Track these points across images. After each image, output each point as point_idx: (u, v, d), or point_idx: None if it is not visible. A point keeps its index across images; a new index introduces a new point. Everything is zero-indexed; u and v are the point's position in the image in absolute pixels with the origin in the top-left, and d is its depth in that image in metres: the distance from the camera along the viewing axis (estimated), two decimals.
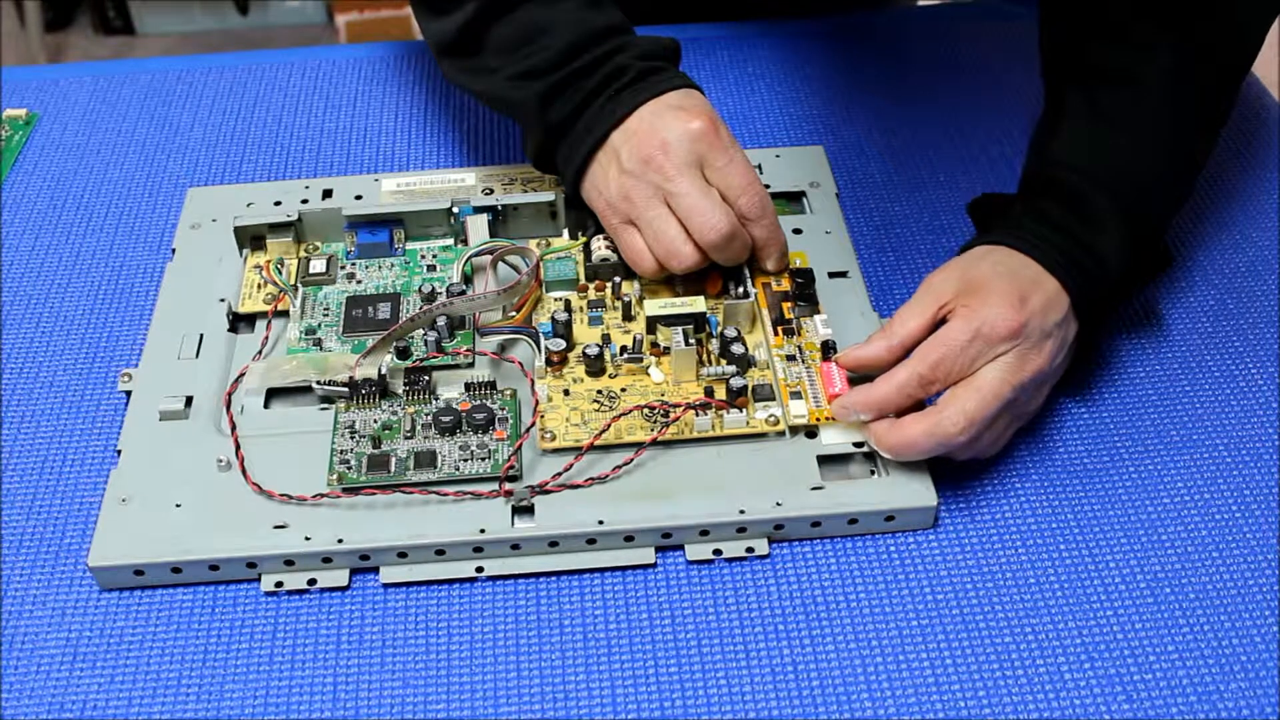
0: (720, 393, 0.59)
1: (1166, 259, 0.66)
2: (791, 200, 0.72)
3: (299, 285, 0.65)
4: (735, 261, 0.62)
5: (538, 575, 0.55)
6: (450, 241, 0.68)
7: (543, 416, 0.58)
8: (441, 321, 0.62)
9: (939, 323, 0.57)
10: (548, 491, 0.56)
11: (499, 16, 0.63)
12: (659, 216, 0.60)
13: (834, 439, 0.58)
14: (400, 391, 0.60)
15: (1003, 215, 0.62)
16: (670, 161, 0.59)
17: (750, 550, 0.55)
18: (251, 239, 0.68)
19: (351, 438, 0.58)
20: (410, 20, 2.01)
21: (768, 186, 0.72)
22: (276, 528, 0.55)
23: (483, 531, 0.54)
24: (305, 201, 0.71)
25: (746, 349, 0.60)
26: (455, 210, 0.68)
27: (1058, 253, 0.58)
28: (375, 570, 0.55)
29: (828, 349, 0.61)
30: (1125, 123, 0.62)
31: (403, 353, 0.61)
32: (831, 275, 0.66)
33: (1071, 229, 0.59)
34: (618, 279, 0.65)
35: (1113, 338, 0.65)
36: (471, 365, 0.62)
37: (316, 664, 0.52)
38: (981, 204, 0.68)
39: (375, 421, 0.59)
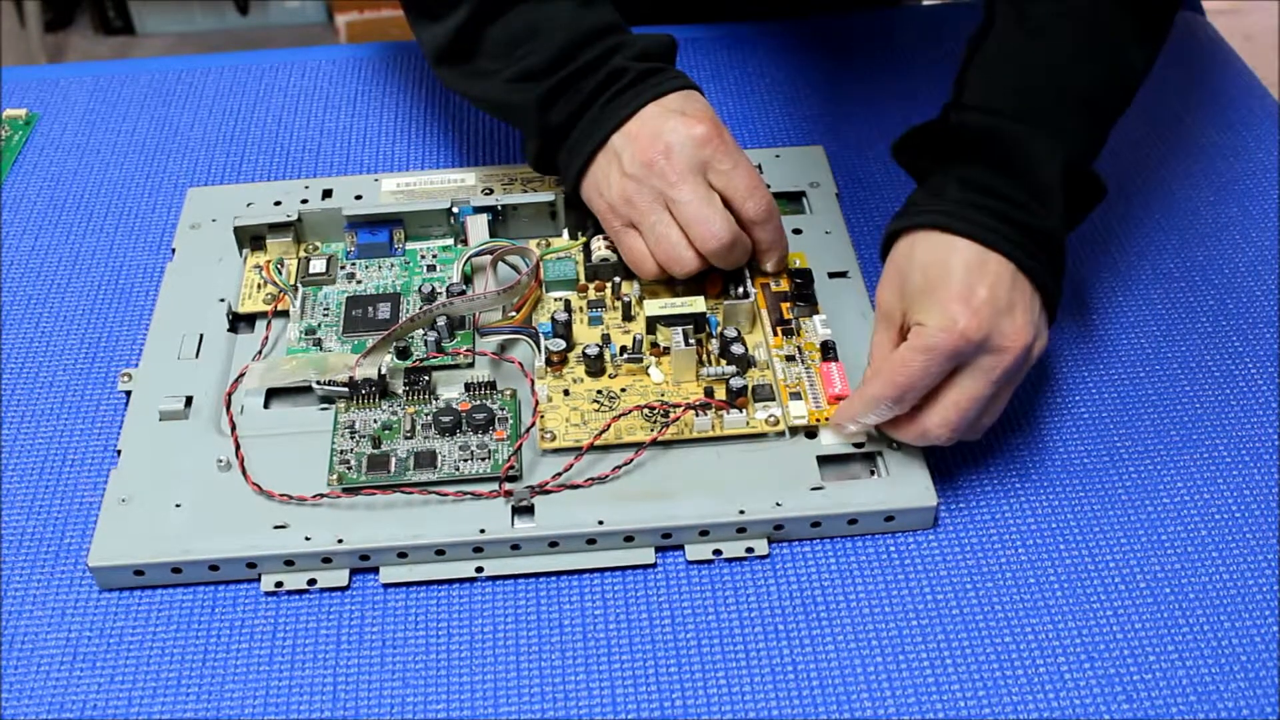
0: (720, 393, 0.59)
1: (1100, 189, 0.60)
2: (791, 200, 0.72)
3: (299, 285, 0.65)
4: (736, 266, 0.62)
5: (538, 575, 0.55)
6: (450, 241, 0.68)
7: (543, 416, 0.58)
8: (441, 321, 0.62)
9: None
10: (548, 492, 0.56)
11: (493, 19, 0.63)
12: (660, 221, 0.60)
13: (834, 439, 0.58)
14: (400, 391, 0.60)
15: (929, 174, 0.59)
16: (673, 167, 0.59)
17: (750, 550, 0.55)
18: (251, 239, 0.68)
19: (351, 438, 0.58)
20: None
21: (767, 186, 0.72)
22: (276, 528, 0.55)
23: (483, 531, 0.54)
24: (305, 201, 0.71)
25: (746, 349, 0.60)
26: (455, 210, 0.68)
27: (993, 220, 0.54)
28: (375, 570, 0.55)
29: (827, 349, 0.61)
30: (1050, 33, 0.58)
31: (403, 353, 0.61)
32: (831, 275, 0.66)
33: (1001, 190, 0.55)
34: (618, 279, 0.65)
35: (1111, 338, 0.65)
36: (471, 365, 0.62)
37: (316, 664, 0.52)
38: (908, 145, 0.62)
39: (375, 421, 0.59)
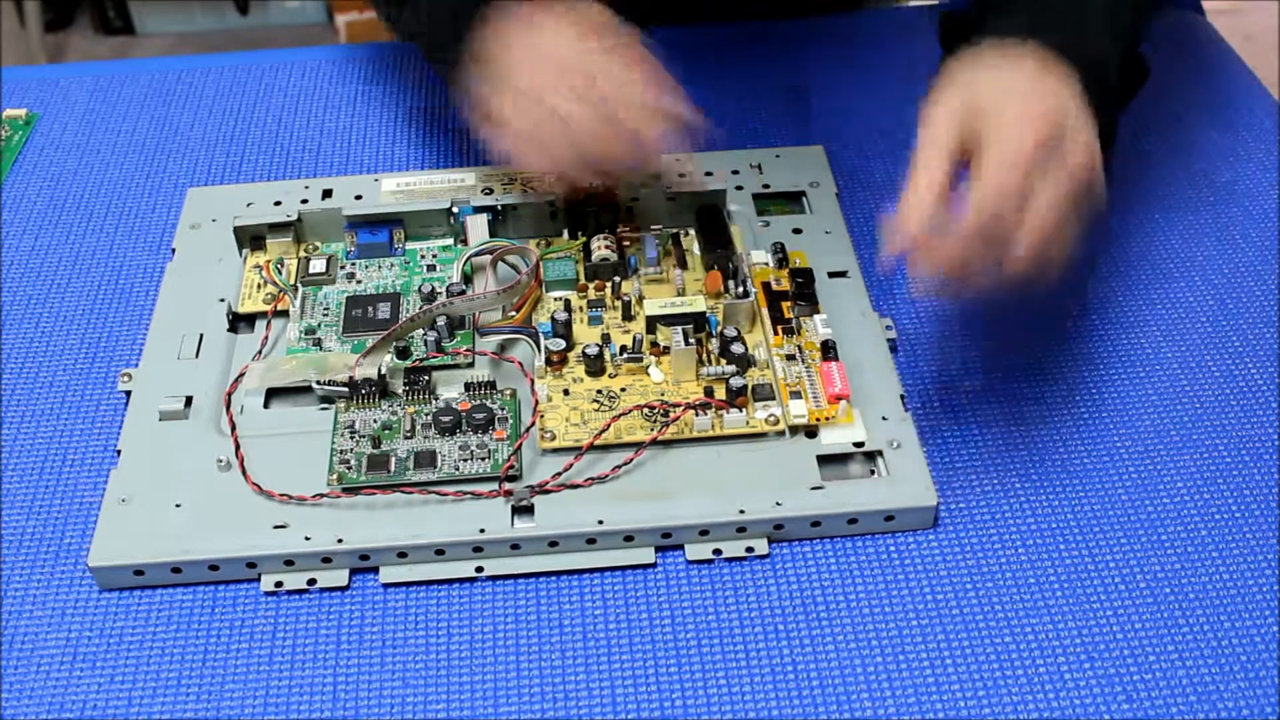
0: (720, 392, 0.59)
1: (1144, 71, 0.62)
2: (791, 200, 0.72)
3: (299, 285, 0.65)
4: (621, 163, 0.60)
5: (538, 575, 0.55)
6: (450, 241, 0.68)
7: (542, 416, 0.58)
8: (441, 321, 0.62)
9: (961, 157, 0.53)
10: (547, 491, 0.56)
11: None
12: (542, 121, 0.59)
13: (834, 439, 0.58)
14: (400, 391, 0.60)
15: (970, 34, 0.58)
16: (553, 73, 0.58)
17: (750, 550, 0.55)
18: (251, 239, 0.68)
19: (351, 438, 0.58)
20: None
21: (767, 186, 0.72)
22: (276, 528, 0.55)
23: (482, 531, 0.54)
24: (305, 201, 0.71)
25: (746, 349, 0.60)
26: (455, 210, 0.68)
27: (1053, 48, 0.54)
28: (375, 570, 0.55)
29: (827, 349, 0.61)
30: None
31: (402, 353, 0.61)
32: (831, 275, 0.66)
33: (1053, 23, 0.56)
34: (618, 279, 0.65)
35: (1112, 338, 0.65)
36: (471, 365, 0.62)
37: (316, 664, 0.52)
38: (947, 22, 0.63)
39: (375, 421, 0.59)
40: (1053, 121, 0.51)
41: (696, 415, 0.58)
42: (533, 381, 0.59)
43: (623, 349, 0.61)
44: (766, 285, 0.64)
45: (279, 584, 0.54)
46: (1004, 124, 0.52)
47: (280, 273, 0.66)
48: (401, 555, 0.55)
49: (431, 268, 0.67)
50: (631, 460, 0.57)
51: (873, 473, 0.57)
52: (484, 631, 0.53)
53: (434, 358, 0.61)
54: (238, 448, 0.57)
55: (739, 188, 0.72)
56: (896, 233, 0.52)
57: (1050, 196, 0.51)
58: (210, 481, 0.57)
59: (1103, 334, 0.65)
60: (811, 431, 0.58)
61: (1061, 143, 0.52)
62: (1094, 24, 0.57)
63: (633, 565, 0.55)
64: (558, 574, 0.55)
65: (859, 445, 0.58)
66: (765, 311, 0.63)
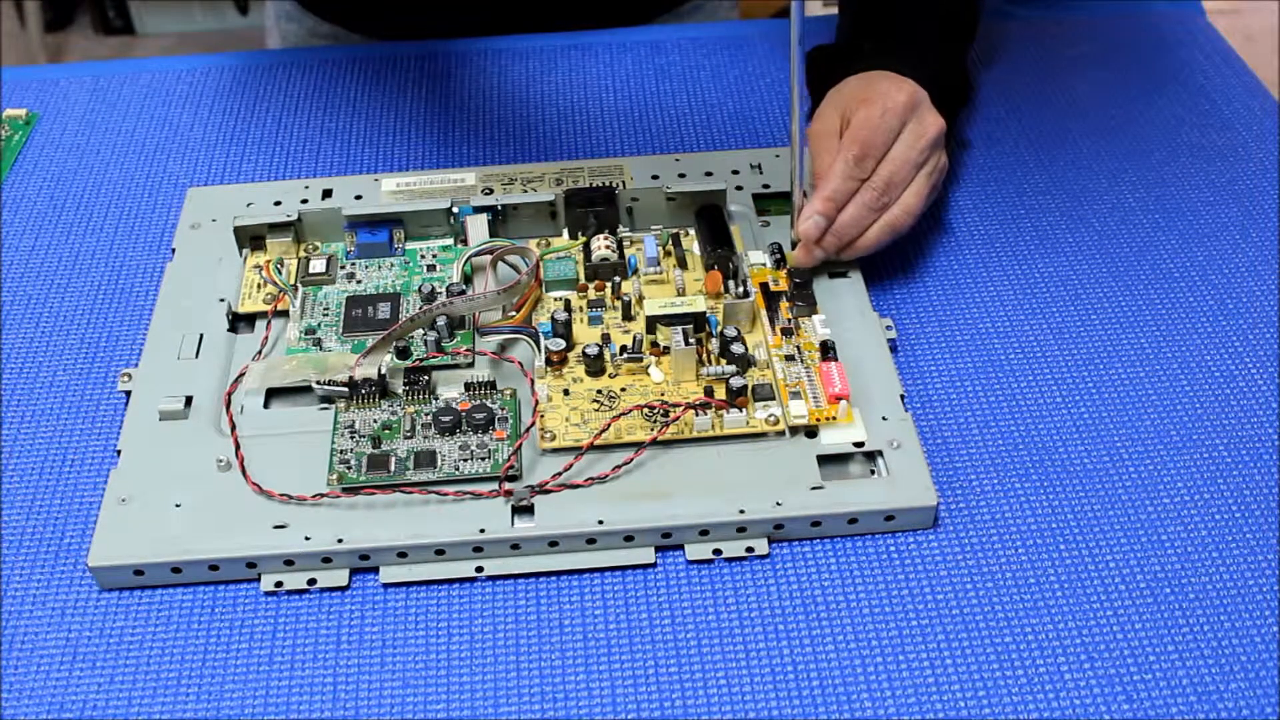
0: (720, 392, 0.59)
1: (970, 89, 0.77)
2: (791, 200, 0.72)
3: (299, 285, 0.65)
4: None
5: (538, 575, 0.55)
6: (450, 241, 0.68)
7: (542, 416, 0.58)
8: (441, 321, 0.62)
9: None
10: (547, 491, 0.56)
11: None
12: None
13: (834, 439, 0.58)
14: (400, 391, 0.60)
15: (834, 77, 0.68)
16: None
17: (750, 550, 0.55)
18: (251, 239, 0.68)
19: (351, 438, 0.58)
20: None
21: (767, 186, 0.72)
22: (276, 528, 0.55)
23: (482, 531, 0.54)
24: (305, 201, 0.71)
25: (746, 349, 0.60)
26: (455, 210, 0.68)
27: (899, 65, 0.66)
28: (375, 570, 0.55)
29: (827, 349, 0.61)
30: None
31: (402, 352, 0.61)
32: (832, 275, 0.66)
33: (902, 55, 0.67)
34: (617, 279, 0.65)
35: (1111, 338, 0.65)
36: (471, 365, 0.62)
37: (316, 664, 0.52)
38: (814, 68, 0.72)
39: (375, 421, 0.59)
40: (909, 94, 0.64)
41: (696, 415, 0.58)
42: (533, 381, 0.59)
43: (623, 349, 0.61)
44: (765, 285, 0.64)
45: (279, 584, 0.54)
46: (871, 100, 0.64)
47: (280, 273, 0.66)
48: (401, 555, 0.55)
49: (431, 268, 0.67)
50: (631, 460, 0.57)
51: (873, 473, 0.57)
52: (484, 631, 0.53)
53: (434, 358, 0.61)
54: (238, 448, 0.57)
55: (739, 188, 0.72)
56: (808, 234, 0.63)
57: (907, 143, 0.64)
58: (210, 481, 0.57)
59: (1103, 334, 0.65)
60: (811, 431, 0.58)
61: (918, 109, 0.64)
62: (929, 58, 0.69)
63: (633, 565, 0.55)
64: (558, 574, 0.55)
65: (859, 445, 0.58)
66: (765, 312, 0.63)
